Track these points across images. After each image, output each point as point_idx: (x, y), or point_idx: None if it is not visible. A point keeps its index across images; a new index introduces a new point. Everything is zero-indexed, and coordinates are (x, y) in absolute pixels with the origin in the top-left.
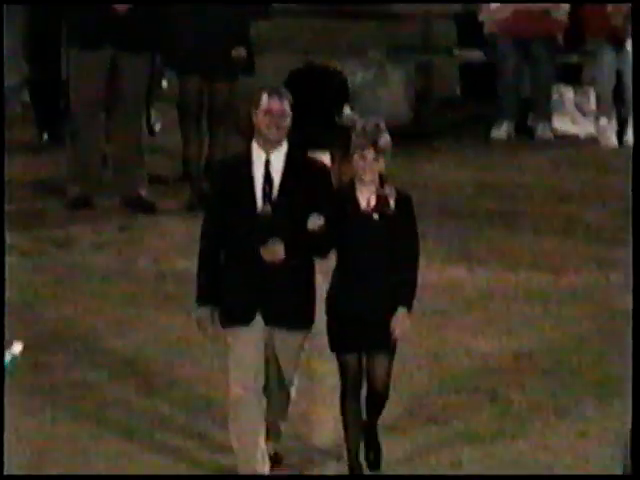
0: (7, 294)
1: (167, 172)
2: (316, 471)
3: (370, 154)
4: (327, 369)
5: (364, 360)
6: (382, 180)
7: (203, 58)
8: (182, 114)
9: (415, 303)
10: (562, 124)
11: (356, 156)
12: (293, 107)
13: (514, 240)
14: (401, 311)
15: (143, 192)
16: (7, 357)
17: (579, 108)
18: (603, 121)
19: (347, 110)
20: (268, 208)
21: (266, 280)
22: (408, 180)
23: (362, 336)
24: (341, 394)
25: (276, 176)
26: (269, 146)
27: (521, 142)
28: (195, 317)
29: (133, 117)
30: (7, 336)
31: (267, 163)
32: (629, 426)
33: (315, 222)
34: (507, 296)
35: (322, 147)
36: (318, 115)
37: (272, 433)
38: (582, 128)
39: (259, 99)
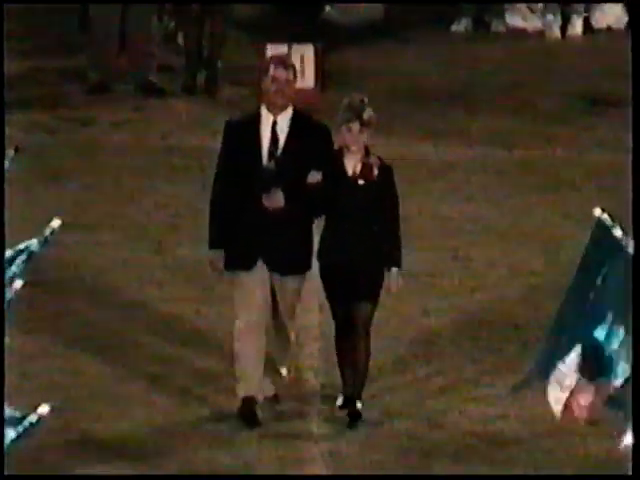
0: (38, 168)
1: (174, 62)
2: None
3: (356, 127)
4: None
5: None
6: (367, 150)
7: None
8: (182, 18)
9: None
10: (514, 20)
11: (343, 128)
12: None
13: (473, 120)
14: (394, 271)
15: (154, 78)
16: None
17: (528, 5)
18: (549, 17)
19: (327, 8)
20: (272, 164)
21: (268, 227)
22: (380, 69)
23: (349, 287)
24: (335, 335)
25: (281, 136)
26: (276, 110)
27: (478, 35)
28: (208, 259)
29: (145, 16)
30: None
31: (274, 124)
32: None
33: (314, 177)
34: (467, 168)
35: (307, 40)
36: (303, 13)
37: (273, 375)
38: (530, 23)
39: (267, 68)
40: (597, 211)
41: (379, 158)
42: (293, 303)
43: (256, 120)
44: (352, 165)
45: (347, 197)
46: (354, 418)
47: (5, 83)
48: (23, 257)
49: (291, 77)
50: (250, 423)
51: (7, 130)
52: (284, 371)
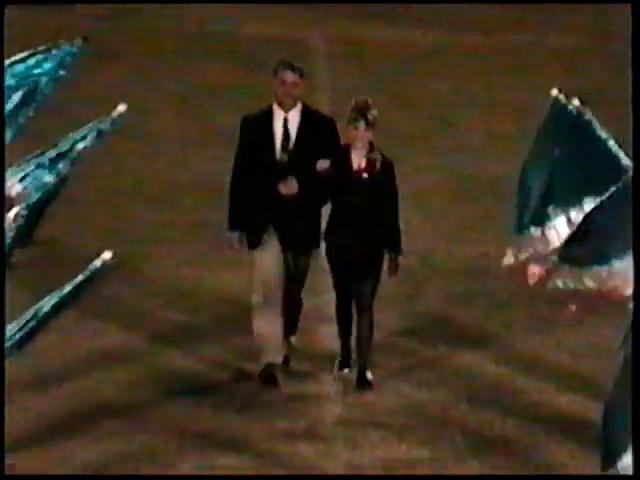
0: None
1: None
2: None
3: (361, 126)
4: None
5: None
6: (372, 146)
7: None
8: None
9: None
10: None
11: (350, 128)
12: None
13: (458, 10)
14: (393, 255)
15: None
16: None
17: None
18: None
19: None
20: (285, 156)
21: (283, 212)
22: None
23: (352, 267)
24: (336, 308)
25: (292, 131)
26: (286, 107)
27: None
28: (226, 239)
29: None
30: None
31: (285, 120)
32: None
33: (323, 164)
34: (452, 51)
35: None
36: None
37: (284, 342)
38: None
39: (277, 70)
40: (554, 91)
41: (382, 154)
42: (303, 278)
43: (269, 116)
44: (357, 160)
45: (353, 189)
46: (363, 386)
47: None
48: (94, 134)
49: (298, 79)
50: (271, 384)
51: (72, 19)
52: (294, 339)
